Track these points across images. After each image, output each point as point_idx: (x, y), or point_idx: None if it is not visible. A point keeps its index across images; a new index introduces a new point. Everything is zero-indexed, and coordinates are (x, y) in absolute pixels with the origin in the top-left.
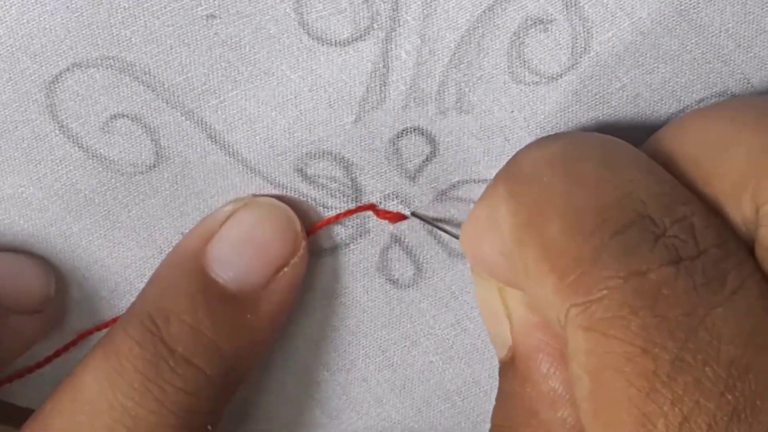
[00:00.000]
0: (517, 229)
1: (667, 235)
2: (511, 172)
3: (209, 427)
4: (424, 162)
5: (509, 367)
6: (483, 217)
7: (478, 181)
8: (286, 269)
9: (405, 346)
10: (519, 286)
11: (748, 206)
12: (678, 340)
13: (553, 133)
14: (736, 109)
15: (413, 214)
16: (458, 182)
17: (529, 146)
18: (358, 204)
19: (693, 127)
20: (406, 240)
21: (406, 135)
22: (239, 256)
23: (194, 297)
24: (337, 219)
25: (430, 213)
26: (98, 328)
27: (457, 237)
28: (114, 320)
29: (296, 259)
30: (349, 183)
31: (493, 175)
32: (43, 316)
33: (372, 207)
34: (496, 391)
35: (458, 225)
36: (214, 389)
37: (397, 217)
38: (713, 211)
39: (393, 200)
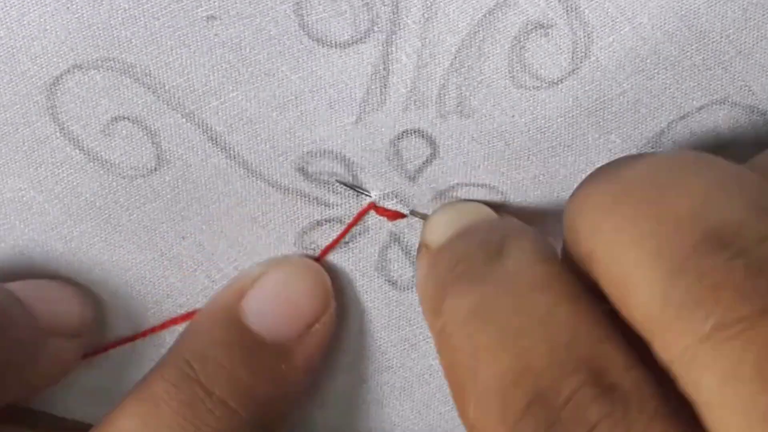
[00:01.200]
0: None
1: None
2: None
3: None
4: (424, 163)
5: None
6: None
7: (478, 185)
8: (317, 326)
9: (404, 348)
10: None
11: (660, 356)
12: None
13: (553, 137)
14: (636, 199)
15: (412, 212)
16: (458, 184)
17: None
18: (358, 203)
19: (590, 220)
20: (405, 239)
21: (407, 136)
22: (273, 311)
23: (231, 343)
24: (342, 236)
25: (429, 212)
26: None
27: None
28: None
29: (326, 317)
30: (350, 179)
31: (493, 180)
32: (82, 341)
33: (371, 207)
34: None
35: None
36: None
37: (396, 215)
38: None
39: (392, 199)
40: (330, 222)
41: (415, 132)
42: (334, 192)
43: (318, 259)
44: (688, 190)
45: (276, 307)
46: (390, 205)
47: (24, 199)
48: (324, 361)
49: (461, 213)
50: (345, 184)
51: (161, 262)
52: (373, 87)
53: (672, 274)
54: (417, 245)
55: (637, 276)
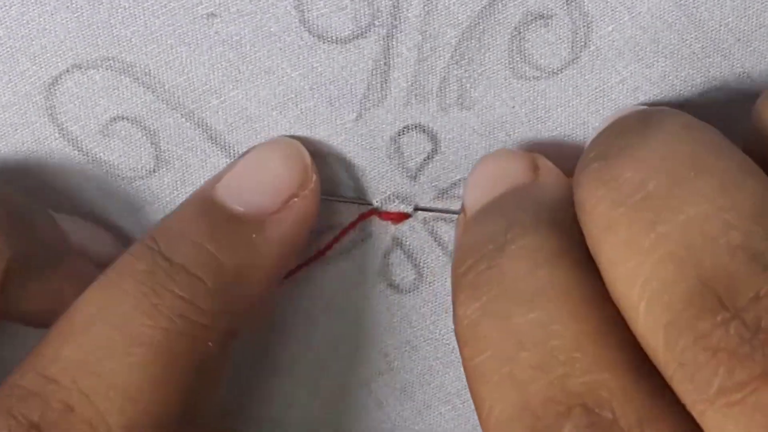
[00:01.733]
0: None
1: None
2: None
3: (210, 344)
4: (425, 160)
5: None
6: None
7: None
8: (296, 200)
9: (405, 350)
10: None
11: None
12: None
13: (554, 127)
14: None
15: (416, 209)
16: (460, 180)
17: None
18: (360, 211)
19: None
20: (408, 242)
21: (408, 132)
22: (245, 185)
23: (196, 216)
24: (342, 235)
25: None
26: None
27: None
28: None
29: (306, 191)
30: (352, 185)
31: None
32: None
33: (373, 212)
34: None
35: None
36: (213, 302)
37: (400, 217)
38: None
39: (395, 201)
40: (333, 229)
41: (416, 127)
42: (336, 200)
43: (318, 255)
44: (685, 220)
45: (248, 180)
46: (393, 207)
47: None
48: (323, 365)
49: (496, 174)
50: (346, 200)
51: None
52: (373, 82)
53: (671, 328)
54: (419, 247)
55: (641, 314)
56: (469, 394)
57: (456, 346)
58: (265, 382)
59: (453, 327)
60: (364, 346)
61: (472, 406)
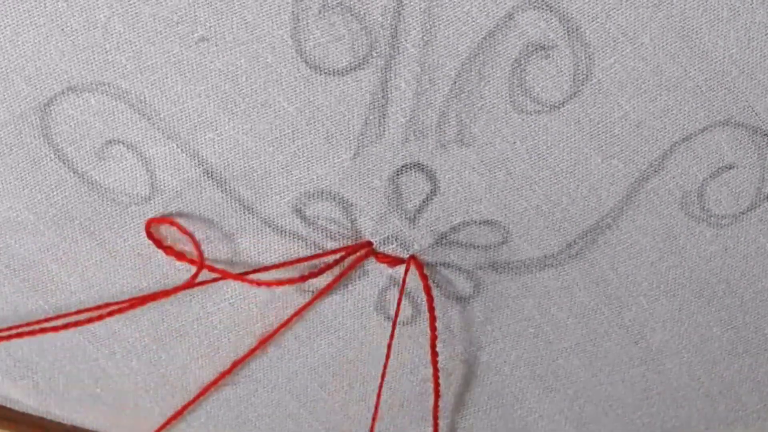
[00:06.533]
0: None
1: None
2: None
3: None
4: (424, 202)
5: None
6: None
7: (480, 223)
8: None
9: (403, 373)
10: None
11: None
12: None
13: (555, 163)
14: None
15: (412, 257)
16: (459, 224)
17: None
18: (357, 253)
19: None
20: (405, 283)
21: (406, 172)
22: None
23: None
24: (340, 278)
25: (430, 257)
26: None
27: None
28: None
29: None
30: (349, 225)
31: (496, 214)
32: None
33: (370, 254)
34: (493, 410)
35: (458, 270)
36: None
37: (396, 261)
38: None
39: (392, 243)
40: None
41: (414, 166)
42: (331, 238)
43: (310, 276)
44: None
45: None
46: (390, 249)
47: (19, 219)
48: (322, 383)
49: None
50: (342, 248)
51: (156, 288)
52: (371, 117)
53: None
54: (417, 288)
55: None
56: (467, 411)
57: (452, 371)
58: (261, 395)
59: (449, 354)
60: (360, 369)
61: (471, 421)
